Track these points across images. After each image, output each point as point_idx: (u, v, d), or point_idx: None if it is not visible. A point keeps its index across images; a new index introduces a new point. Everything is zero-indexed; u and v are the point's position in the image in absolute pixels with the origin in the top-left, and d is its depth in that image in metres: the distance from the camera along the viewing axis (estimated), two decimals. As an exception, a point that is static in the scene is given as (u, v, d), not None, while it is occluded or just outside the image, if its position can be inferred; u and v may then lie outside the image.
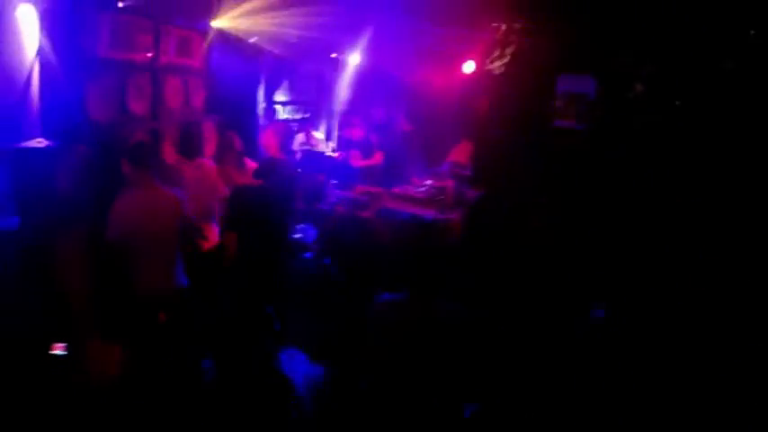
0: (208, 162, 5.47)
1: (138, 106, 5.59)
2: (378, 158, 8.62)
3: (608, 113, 7.70)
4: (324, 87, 10.12)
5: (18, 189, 4.59)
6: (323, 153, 8.78)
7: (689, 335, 4.17)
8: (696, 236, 5.65)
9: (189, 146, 5.40)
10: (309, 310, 6.28)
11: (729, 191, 6.02)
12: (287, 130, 7.72)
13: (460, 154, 9.39)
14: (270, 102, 8.78)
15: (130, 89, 5.45)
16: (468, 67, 8.87)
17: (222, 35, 6.96)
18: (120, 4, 5.23)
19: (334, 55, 9.67)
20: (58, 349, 4.02)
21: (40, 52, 4.75)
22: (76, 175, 4.56)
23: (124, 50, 5.33)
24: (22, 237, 4.46)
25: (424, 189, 8.09)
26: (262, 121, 8.15)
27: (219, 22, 6.81)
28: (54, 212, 4.58)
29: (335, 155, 8.88)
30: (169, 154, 5.77)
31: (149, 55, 5.67)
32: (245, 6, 6.72)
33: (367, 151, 8.57)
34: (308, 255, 7.29)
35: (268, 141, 6.50)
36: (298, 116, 9.59)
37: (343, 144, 8.94)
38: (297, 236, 7.12)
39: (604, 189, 6.97)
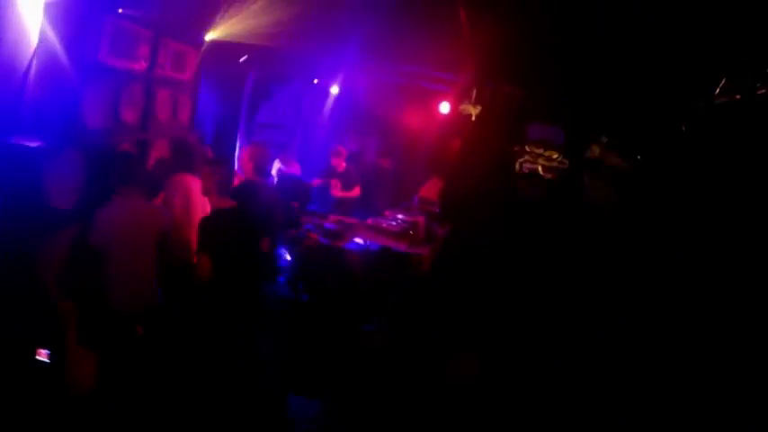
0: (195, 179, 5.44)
1: (129, 115, 5.57)
2: (356, 191, 8.71)
3: (576, 162, 8.07)
4: (303, 113, 10.18)
5: (3, 185, 4.48)
6: (299, 179, 8.81)
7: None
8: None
9: (183, 160, 5.36)
10: (279, 334, 6.27)
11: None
12: (264, 151, 7.73)
13: (430, 190, 9.55)
14: (251, 122, 8.80)
15: (124, 97, 5.42)
16: (444, 107, 9.09)
17: (213, 52, 6.99)
18: (120, 11, 5.22)
19: (315, 81, 9.76)
20: (42, 355, 3.92)
21: (39, 48, 4.68)
22: (64, 179, 4.49)
23: (122, 58, 5.31)
24: (4, 236, 4.35)
25: (395, 223, 8.18)
26: (242, 140, 8.15)
27: (213, 35, 6.83)
28: (39, 214, 4.50)
29: (313, 182, 8.90)
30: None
31: (145, 65, 5.65)
32: (238, 24, 6.77)
33: (348, 183, 8.63)
34: (281, 279, 7.26)
35: (244, 163, 6.51)
36: (276, 139, 9.60)
37: (324, 172, 8.98)
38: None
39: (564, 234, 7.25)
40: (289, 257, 7.36)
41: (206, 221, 5.06)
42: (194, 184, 5.38)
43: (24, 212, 4.47)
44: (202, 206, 5.41)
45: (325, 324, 6.18)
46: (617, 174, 7.41)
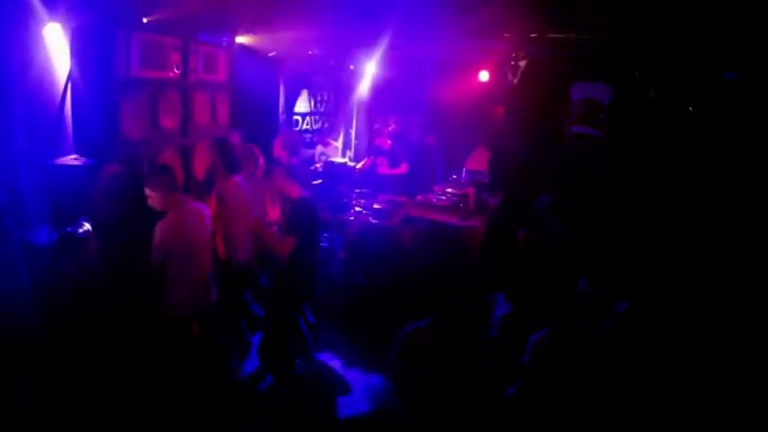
0: (241, 180, 5.55)
1: (168, 122, 5.65)
2: (403, 168, 8.68)
3: (623, 119, 7.76)
4: (341, 98, 10.17)
5: (54, 204, 4.67)
6: (344, 163, 8.84)
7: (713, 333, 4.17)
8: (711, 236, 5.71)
9: (226, 160, 5.48)
10: (336, 318, 6.40)
11: (742, 193, 6.10)
12: (292, 136, 7.81)
13: (477, 161, 9.45)
14: (290, 113, 8.86)
15: (161, 106, 5.51)
16: (483, 76, 8.90)
17: (244, 51, 7.05)
18: (145, 20, 5.30)
19: (351, 67, 9.72)
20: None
21: (71, 71, 4.83)
22: (109, 194, 4.64)
23: (155, 69, 5.38)
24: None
25: (445, 197, 8.14)
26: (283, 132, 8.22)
27: (242, 38, 6.91)
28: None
29: (358, 165, 8.93)
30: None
31: (178, 72, 5.73)
32: (266, 23, 6.80)
33: (394, 160, 8.62)
34: (335, 263, 7.36)
35: (278, 151, 6.64)
36: (317, 126, 9.65)
37: (370, 152, 8.98)
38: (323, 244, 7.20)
39: (621, 192, 7.03)
40: (339, 241, 7.44)
41: (295, 207, 5.34)
42: (239, 184, 5.48)
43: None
44: (249, 204, 5.51)
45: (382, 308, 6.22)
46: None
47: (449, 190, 8.46)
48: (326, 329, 6.12)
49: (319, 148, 9.15)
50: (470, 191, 8.12)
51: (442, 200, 8.07)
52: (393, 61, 9.30)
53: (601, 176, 7.40)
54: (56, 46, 4.78)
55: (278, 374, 5.40)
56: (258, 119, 7.44)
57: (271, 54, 7.65)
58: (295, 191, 5.37)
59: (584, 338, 3.77)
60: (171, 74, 5.64)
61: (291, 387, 5.35)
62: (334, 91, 10.00)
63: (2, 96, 4.44)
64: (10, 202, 4.38)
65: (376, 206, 7.60)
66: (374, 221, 7.35)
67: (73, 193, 4.61)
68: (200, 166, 6.15)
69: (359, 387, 5.43)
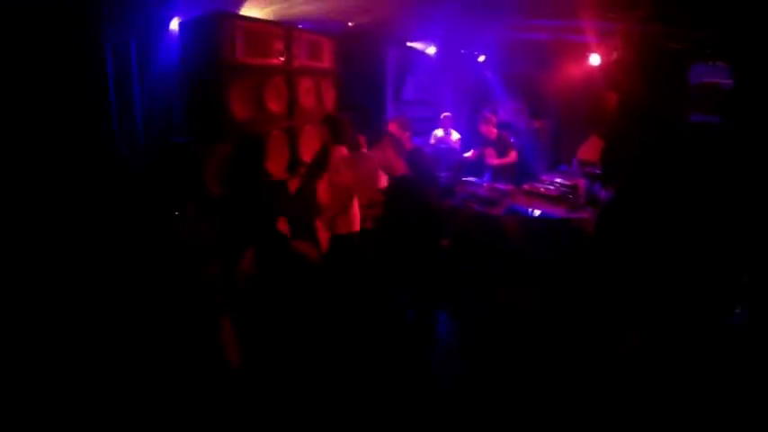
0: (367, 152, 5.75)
1: (275, 105, 5.83)
2: (512, 157, 8.49)
3: (748, 105, 7.10)
4: (450, 84, 10.09)
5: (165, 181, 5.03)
6: (453, 148, 8.77)
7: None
8: None
9: (337, 135, 5.61)
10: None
11: None
12: (407, 119, 7.82)
13: (590, 151, 9.04)
14: (397, 100, 8.91)
15: (267, 90, 5.69)
16: (594, 59, 8.49)
17: (349, 38, 7.18)
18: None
19: (462, 51, 9.62)
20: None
21: (182, 59, 5.16)
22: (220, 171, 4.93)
23: (259, 55, 5.59)
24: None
25: (554, 187, 7.87)
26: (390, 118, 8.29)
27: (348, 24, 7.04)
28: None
29: (467, 154, 8.83)
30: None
31: (283, 59, 5.93)
32: (372, 10, 6.90)
33: (502, 150, 8.46)
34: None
35: (400, 134, 6.66)
36: (423, 113, 9.64)
37: (476, 141, 8.86)
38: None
39: (746, 187, 6.44)
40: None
41: (391, 185, 5.43)
42: (349, 157, 5.66)
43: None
44: (358, 178, 5.67)
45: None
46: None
47: (557, 180, 8.17)
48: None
49: (438, 133, 9.12)
50: (580, 182, 7.79)
51: (550, 189, 7.80)
52: (500, 46, 9.11)
53: (722, 170, 6.82)
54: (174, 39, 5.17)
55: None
56: (365, 105, 7.55)
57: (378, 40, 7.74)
58: (401, 167, 5.38)
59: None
60: (275, 60, 5.86)
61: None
62: (442, 77, 9.93)
63: (125, 84, 4.85)
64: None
65: (481, 194, 7.47)
66: (480, 209, 7.24)
67: (184, 169, 4.93)
68: (307, 148, 6.34)
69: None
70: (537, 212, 7.15)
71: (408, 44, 8.15)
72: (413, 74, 9.22)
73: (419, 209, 5.30)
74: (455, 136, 9.29)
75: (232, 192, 5.06)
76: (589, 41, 8.30)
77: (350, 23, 7.11)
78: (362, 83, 7.55)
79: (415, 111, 9.34)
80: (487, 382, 4.72)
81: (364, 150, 6.08)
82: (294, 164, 6.20)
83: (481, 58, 9.43)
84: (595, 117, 9.32)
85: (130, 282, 4.44)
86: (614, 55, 7.80)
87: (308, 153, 6.29)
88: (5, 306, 3.90)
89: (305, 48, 6.38)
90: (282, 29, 5.93)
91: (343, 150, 5.61)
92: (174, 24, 5.32)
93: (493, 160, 8.44)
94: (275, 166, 5.82)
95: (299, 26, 6.33)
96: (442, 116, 9.30)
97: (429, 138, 9.02)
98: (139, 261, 4.55)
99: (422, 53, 8.85)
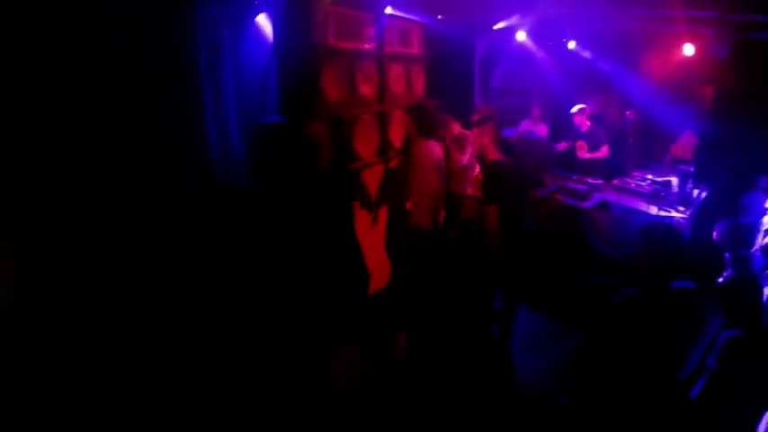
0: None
1: (366, 90, 5.90)
2: (604, 152, 8.23)
3: None
4: (538, 75, 9.84)
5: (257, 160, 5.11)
6: (542, 140, 8.59)
7: None
8: None
9: (422, 125, 5.65)
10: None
11: None
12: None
13: (684, 148, 8.66)
14: (486, 88, 8.77)
15: (358, 74, 5.76)
16: (688, 50, 8.04)
17: (439, 26, 7.13)
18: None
19: (550, 42, 9.38)
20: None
21: (275, 42, 5.22)
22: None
23: (351, 40, 5.67)
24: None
25: (646, 183, 7.61)
26: (479, 107, 8.18)
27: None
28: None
29: (559, 145, 8.62)
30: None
31: (374, 44, 5.99)
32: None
33: (594, 143, 8.22)
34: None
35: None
36: (513, 103, 9.46)
37: (568, 134, 8.63)
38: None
39: None
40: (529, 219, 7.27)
41: (489, 173, 5.38)
42: (432, 147, 5.66)
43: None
44: (440, 167, 5.70)
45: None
46: None
47: (649, 176, 7.91)
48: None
49: (527, 124, 8.95)
50: (673, 179, 7.48)
51: (641, 186, 7.58)
52: (589, 37, 8.81)
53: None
54: (264, 28, 5.25)
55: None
56: (454, 92, 7.48)
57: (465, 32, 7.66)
58: (494, 153, 5.33)
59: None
60: (366, 45, 5.92)
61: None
62: (531, 67, 9.70)
63: (216, 67, 4.98)
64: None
65: (570, 187, 7.33)
66: (568, 202, 7.09)
67: (275, 149, 5.01)
68: (397, 133, 6.39)
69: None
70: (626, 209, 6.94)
71: (496, 29, 7.99)
72: (501, 62, 9.05)
73: (513, 195, 5.25)
74: (543, 127, 9.08)
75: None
76: (685, 30, 7.83)
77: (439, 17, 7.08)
78: (451, 70, 7.47)
79: (504, 100, 9.17)
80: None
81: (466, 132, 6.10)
82: (384, 148, 6.25)
83: (571, 44, 9.14)
84: (689, 112, 8.86)
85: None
86: (711, 47, 7.38)
87: (398, 138, 6.37)
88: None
89: (395, 34, 6.43)
90: (373, 14, 5.97)
91: (425, 139, 5.62)
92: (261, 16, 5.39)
93: (584, 154, 8.19)
94: (364, 148, 5.89)
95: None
96: (531, 106, 9.12)
97: (518, 127, 8.85)
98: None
99: (511, 41, 8.66)
